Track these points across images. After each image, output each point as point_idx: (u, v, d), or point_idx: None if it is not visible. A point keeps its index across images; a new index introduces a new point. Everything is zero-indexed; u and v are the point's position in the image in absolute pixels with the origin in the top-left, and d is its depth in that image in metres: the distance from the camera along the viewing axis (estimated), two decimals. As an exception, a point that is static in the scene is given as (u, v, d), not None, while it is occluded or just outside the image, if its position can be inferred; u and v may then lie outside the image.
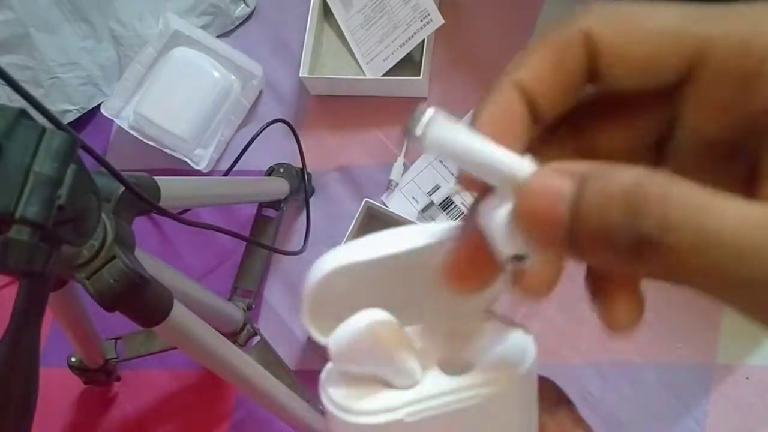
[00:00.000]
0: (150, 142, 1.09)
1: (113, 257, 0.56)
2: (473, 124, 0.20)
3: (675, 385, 0.90)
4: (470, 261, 0.21)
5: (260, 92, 1.15)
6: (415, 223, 0.98)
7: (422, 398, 0.21)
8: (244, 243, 1.01)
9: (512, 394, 0.22)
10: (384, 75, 1.07)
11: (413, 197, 1.04)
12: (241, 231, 0.99)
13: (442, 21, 1.02)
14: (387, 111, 1.08)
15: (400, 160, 1.05)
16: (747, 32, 0.18)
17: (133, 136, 1.10)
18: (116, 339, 0.96)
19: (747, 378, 0.88)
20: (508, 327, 0.24)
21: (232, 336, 0.88)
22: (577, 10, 0.20)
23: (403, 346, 0.22)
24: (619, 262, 0.17)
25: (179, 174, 1.10)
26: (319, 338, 0.23)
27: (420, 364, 0.22)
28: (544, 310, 0.94)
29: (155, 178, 0.67)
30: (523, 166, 0.19)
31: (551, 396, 0.24)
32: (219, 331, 0.70)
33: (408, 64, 1.07)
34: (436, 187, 1.04)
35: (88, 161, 0.51)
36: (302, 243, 1.01)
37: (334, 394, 0.22)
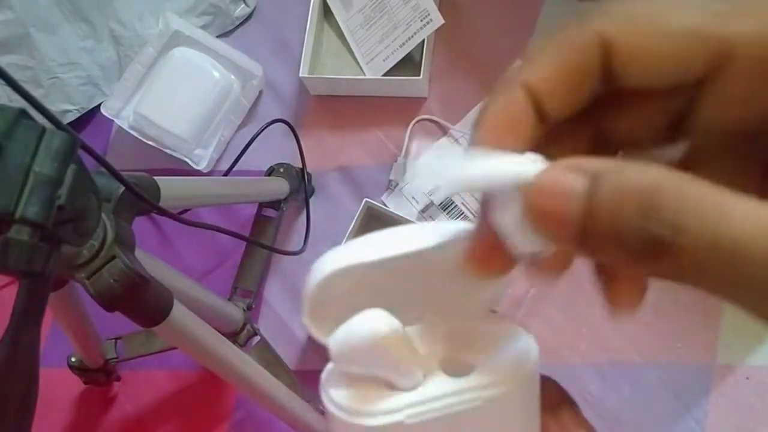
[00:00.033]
0: (150, 142, 1.09)
1: (113, 257, 0.56)
2: (478, 121, 0.20)
3: (675, 385, 0.90)
4: (488, 251, 0.21)
5: (260, 92, 1.15)
6: (415, 223, 0.98)
7: (424, 400, 0.21)
8: (244, 243, 1.01)
9: (515, 395, 0.22)
10: (384, 75, 1.07)
11: (413, 197, 1.04)
12: (241, 231, 0.99)
13: (442, 21, 1.02)
14: (387, 111, 1.08)
15: (400, 160, 1.05)
16: None
17: (133, 136, 1.10)
18: (116, 339, 0.96)
19: (747, 378, 0.88)
20: (510, 327, 0.23)
21: (232, 336, 0.88)
22: (590, 10, 0.19)
23: (405, 347, 0.21)
24: (630, 262, 0.17)
25: (179, 174, 1.10)
26: (321, 339, 0.23)
27: (421, 366, 0.22)
28: (544, 310, 0.94)
29: (155, 178, 0.67)
30: (527, 167, 0.18)
31: (553, 396, 0.24)
32: (219, 331, 0.70)
33: (408, 64, 1.07)
34: (436, 187, 1.04)
35: (88, 161, 0.51)
36: (302, 243, 1.01)
37: (334, 395, 0.22)
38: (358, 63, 1.10)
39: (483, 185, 0.19)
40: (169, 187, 0.68)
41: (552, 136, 0.21)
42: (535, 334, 0.23)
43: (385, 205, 1.03)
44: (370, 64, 1.08)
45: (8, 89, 0.45)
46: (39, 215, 0.44)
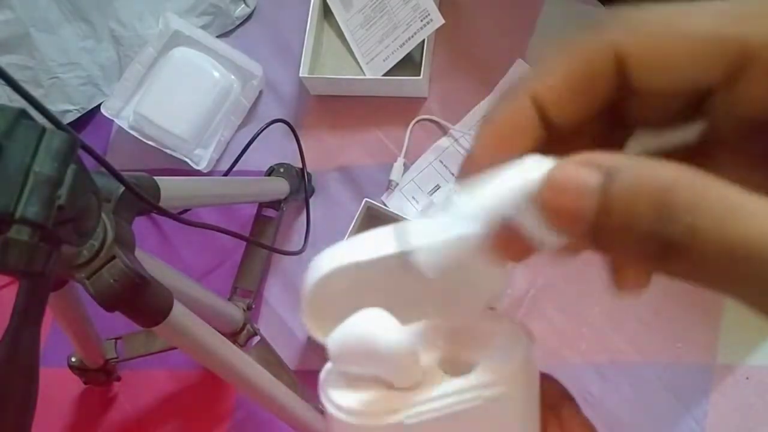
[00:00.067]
0: (150, 142, 1.09)
1: (113, 257, 0.55)
2: (482, 127, 0.20)
3: (675, 385, 0.90)
4: (508, 241, 0.20)
5: (260, 92, 1.15)
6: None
7: (423, 400, 0.21)
8: (244, 243, 1.01)
9: (514, 394, 0.22)
10: (384, 75, 1.07)
11: (413, 197, 1.04)
12: (241, 231, 0.99)
13: (442, 21, 1.02)
14: (387, 111, 1.08)
15: (400, 160, 1.05)
16: None
17: (133, 136, 1.10)
18: (116, 339, 0.96)
19: (747, 378, 0.88)
20: (510, 326, 0.23)
21: (232, 336, 0.88)
22: (602, 16, 0.19)
23: (404, 347, 0.21)
24: (643, 261, 0.17)
25: (179, 174, 1.10)
26: (320, 338, 0.22)
27: (421, 365, 0.22)
28: (544, 310, 0.94)
29: (155, 178, 0.66)
30: (530, 174, 0.18)
31: (553, 393, 0.24)
32: (219, 331, 0.70)
33: (408, 64, 1.07)
34: (437, 187, 1.04)
35: (88, 161, 0.51)
36: (302, 243, 1.01)
37: (333, 395, 0.22)
38: (358, 63, 1.10)
39: (497, 213, 0.19)
40: (169, 187, 0.68)
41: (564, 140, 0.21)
42: (535, 334, 0.23)
43: (385, 205, 1.03)
44: (370, 64, 1.08)
45: (8, 89, 0.45)
46: (39, 215, 0.44)
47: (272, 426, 0.98)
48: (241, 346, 0.88)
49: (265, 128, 1.00)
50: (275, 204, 1.00)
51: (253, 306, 0.98)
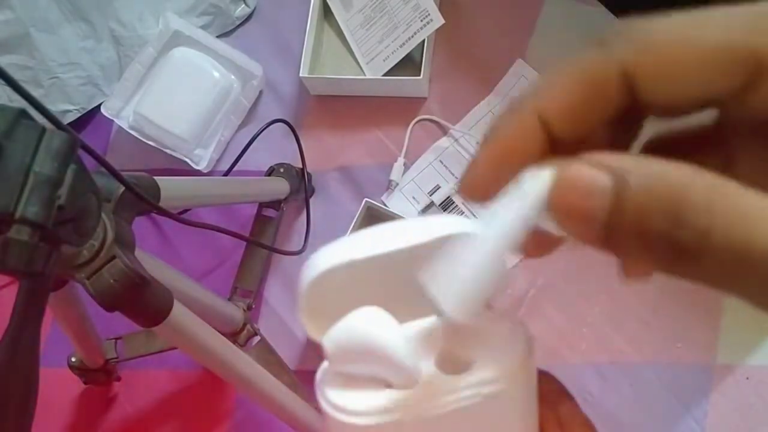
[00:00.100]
0: (150, 142, 1.09)
1: (113, 257, 0.56)
2: (486, 139, 0.20)
3: (675, 385, 0.90)
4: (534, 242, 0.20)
5: (260, 92, 1.15)
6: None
7: (421, 398, 0.21)
8: (244, 243, 1.01)
9: (512, 391, 0.22)
10: (384, 75, 1.07)
11: (413, 197, 1.04)
12: (241, 231, 0.99)
13: (443, 21, 1.02)
14: (387, 111, 1.08)
15: (400, 160, 1.05)
16: None
17: (133, 136, 1.10)
18: (116, 339, 0.96)
19: (747, 378, 0.88)
20: (508, 324, 0.23)
21: (232, 336, 0.88)
22: (610, 29, 0.19)
23: (401, 345, 0.21)
24: (654, 264, 0.17)
25: (179, 174, 1.10)
26: (317, 337, 0.22)
27: (418, 363, 0.22)
28: (544, 310, 0.94)
29: (155, 178, 0.67)
30: (536, 186, 0.18)
31: (552, 390, 0.24)
32: (219, 331, 0.70)
33: (408, 64, 1.07)
34: (437, 187, 1.04)
35: (88, 161, 0.51)
36: (302, 243, 1.01)
37: (330, 394, 0.22)
38: (358, 63, 1.10)
39: (516, 232, 0.19)
40: (169, 187, 0.68)
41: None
42: (535, 334, 0.23)
43: (385, 205, 1.03)
44: (370, 64, 1.09)
45: (8, 89, 0.45)
46: (39, 215, 0.44)
47: (272, 426, 0.98)
48: (241, 346, 0.88)
49: (265, 128, 1.00)
50: (275, 204, 1.00)
51: (253, 306, 0.98)
